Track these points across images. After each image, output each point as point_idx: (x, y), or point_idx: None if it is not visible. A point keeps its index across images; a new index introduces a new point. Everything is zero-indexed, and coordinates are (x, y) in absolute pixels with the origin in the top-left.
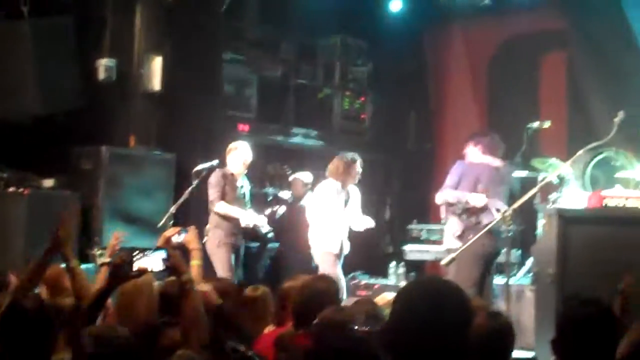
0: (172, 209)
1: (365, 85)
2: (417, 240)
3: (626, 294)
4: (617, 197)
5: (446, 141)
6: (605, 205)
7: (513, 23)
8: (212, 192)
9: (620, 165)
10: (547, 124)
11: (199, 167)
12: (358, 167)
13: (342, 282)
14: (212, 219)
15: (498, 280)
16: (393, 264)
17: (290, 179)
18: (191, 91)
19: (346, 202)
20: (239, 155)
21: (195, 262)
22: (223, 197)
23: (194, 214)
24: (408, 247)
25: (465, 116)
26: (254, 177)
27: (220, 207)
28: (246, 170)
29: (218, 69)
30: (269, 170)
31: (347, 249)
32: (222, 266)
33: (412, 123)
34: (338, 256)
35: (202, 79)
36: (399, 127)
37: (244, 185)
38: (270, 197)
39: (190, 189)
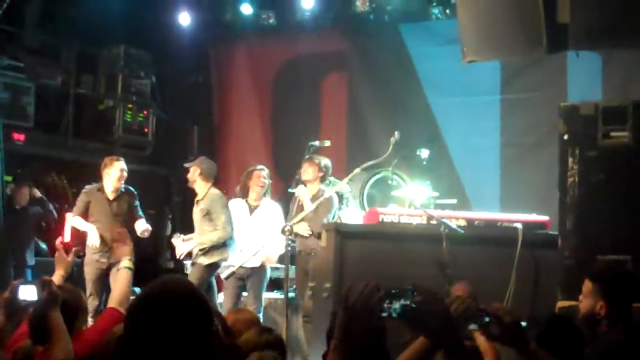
0: None
1: (148, 98)
2: None
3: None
4: (391, 214)
5: (229, 157)
6: (381, 221)
7: (297, 43)
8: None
9: (395, 185)
10: (327, 143)
11: None
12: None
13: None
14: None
15: (276, 295)
16: None
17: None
18: None
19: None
20: None
21: None
22: None
23: None
24: (189, 262)
25: (249, 133)
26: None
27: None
28: None
29: None
30: (48, 181)
31: None
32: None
33: (195, 138)
34: None
35: None
36: (182, 142)
37: None
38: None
39: None
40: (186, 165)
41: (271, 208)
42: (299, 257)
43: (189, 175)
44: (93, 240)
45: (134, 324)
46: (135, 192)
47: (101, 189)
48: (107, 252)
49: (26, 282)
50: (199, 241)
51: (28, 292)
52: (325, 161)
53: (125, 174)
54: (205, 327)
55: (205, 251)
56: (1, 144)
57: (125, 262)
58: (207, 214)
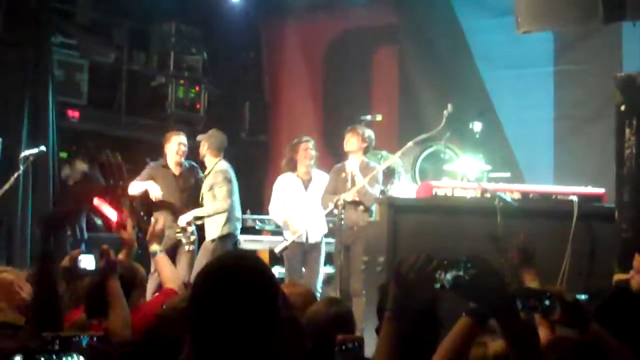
0: None
1: (200, 74)
2: (252, 230)
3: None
4: (445, 187)
5: (280, 133)
6: (435, 194)
7: (347, 17)
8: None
9: (448, 159)
10: (378, 117)
11: (26, 152)
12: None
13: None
14: None
15: (328, 269)
16: None
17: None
18: (18, 74)
19: None
20: None
21: None
22: None
23: (23, 199)
24: (242, 237)
25: (300, 109)
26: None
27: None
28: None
29: (46, 53)
30: (102, 158)
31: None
32: None
33: (247, 114)
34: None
35: (29, 62)
36: (234, 118)
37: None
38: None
39: (16, 174)
40: (198, 138)
41: (324, 180)
42: (339, 231)
43: (200, 149)
44: (155, 192)
45: (201, 297)
46: (197, 166)
47: (166, 165)
48: (173, 227)
49: (85, 252)
50: (196, 211)
51: (87, 262)
52: (369, 132)
53: (183, 147)
54: (272, 301)
55: (205, 226)
56: (54, 122)
57: (154, 247)
58: (211, 189)
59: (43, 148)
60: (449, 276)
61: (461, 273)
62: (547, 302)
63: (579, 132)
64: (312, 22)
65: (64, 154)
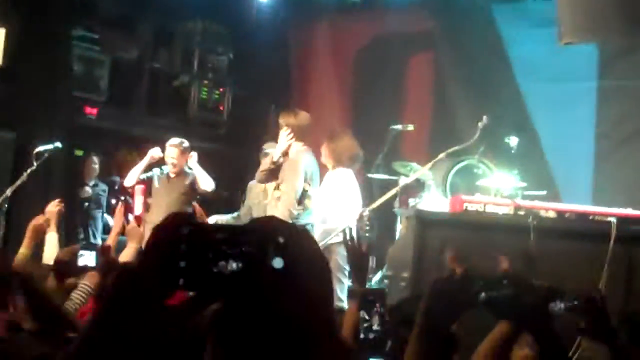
0: (8, 191)
1: (225, 75)
2: None
3: None
4: (476, 203)
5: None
6: (466, 209)
7: (382, 21)
8: None
9: (481, 174)
10: (410, 127)
11: (40, 148)
12: None
13: None
14: None
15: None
16: None
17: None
18: (36, 67)
19: None
20: None
21: None
22: None
23: (32, 196)
24: None
25: (328, 114)
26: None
27: None
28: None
29: (67, 46)
30: (118, 157)
31: None
32: None
33: (271, 117)
34: None
35: (48, 55)
36: (258, 121)
37: None
38: (117, 186)
39: (29, 170)
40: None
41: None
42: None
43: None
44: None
45: None
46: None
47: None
48: None
49: (88, 248)
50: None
51: (88, 259)
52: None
53: (169, 160)
54: None
55: None
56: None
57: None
58: None
59: (58, 144)
60: (484, 294)
61: (496, 292)
62: (575, 302)
63: (621, 151)
64: (344, 25)
65: (79, 152)
